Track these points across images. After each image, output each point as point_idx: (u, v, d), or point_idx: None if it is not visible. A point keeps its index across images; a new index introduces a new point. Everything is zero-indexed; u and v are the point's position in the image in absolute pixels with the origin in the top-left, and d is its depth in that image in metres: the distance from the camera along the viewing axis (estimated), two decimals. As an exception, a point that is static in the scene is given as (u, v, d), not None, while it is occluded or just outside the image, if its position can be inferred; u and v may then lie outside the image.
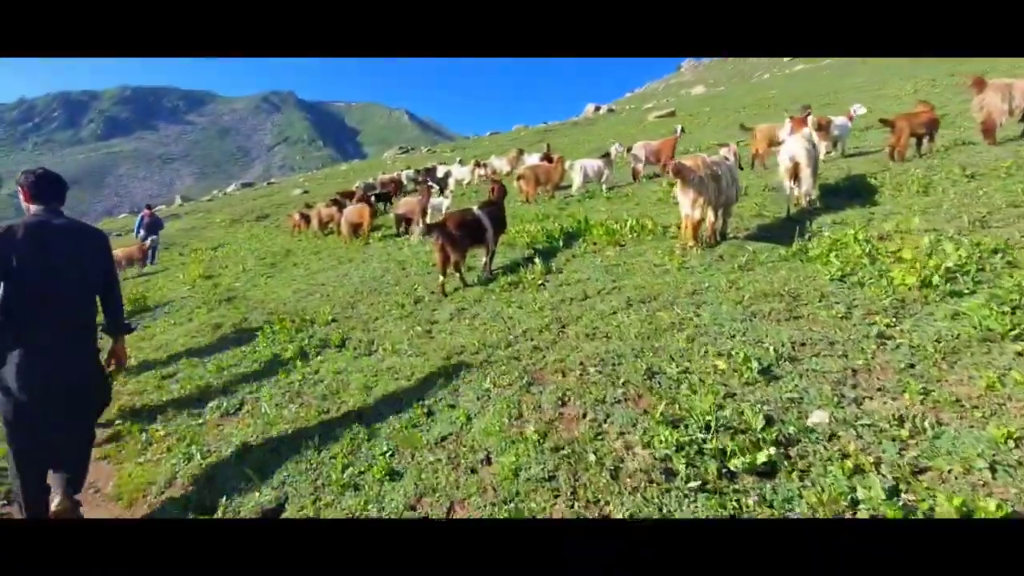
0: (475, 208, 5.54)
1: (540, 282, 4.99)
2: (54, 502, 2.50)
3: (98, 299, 2.84)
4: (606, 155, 10.21)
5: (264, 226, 16.59)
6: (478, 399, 3.08)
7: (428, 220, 9.67)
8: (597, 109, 44.32)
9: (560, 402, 2.83)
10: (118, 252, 11.39)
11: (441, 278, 5.36)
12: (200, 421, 3.91)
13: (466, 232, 5.27)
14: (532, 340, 3.73)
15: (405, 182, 17.07)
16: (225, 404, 4.02)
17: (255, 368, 4.68)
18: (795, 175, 5.54)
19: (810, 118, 7.39)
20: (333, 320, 5.53)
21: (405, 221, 9.75)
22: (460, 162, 17.46)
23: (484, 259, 5.74)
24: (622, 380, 2.87)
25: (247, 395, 4.14)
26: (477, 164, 15.93)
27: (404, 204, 9.89)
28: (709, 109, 27.11)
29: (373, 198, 10.60)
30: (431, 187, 9.92)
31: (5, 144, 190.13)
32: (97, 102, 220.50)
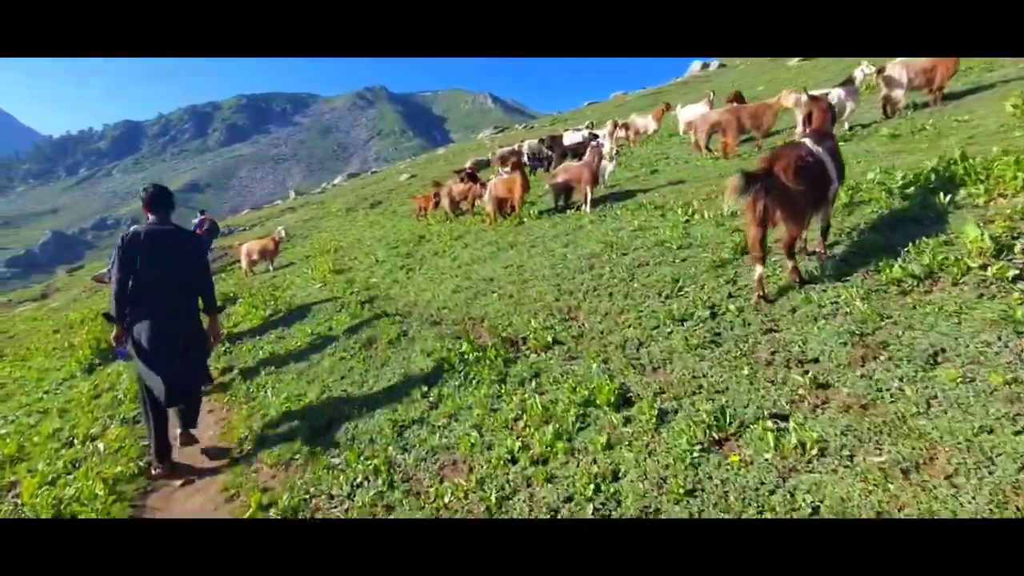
0: (808, 142, 3.07)
1: (1008, 274, 2.44)
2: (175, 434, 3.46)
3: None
4: (848, 82, 7.19)
5: (380, 212, 15.32)
6: None
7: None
8: (705, 66, 38.91)
9: None
10: (254, 245, 10.26)
11: (758, 269, 2.98)
12: None
13: (808, 185, 2.84)
14: None
15: (527, 154, 14.97)
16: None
17: (464, 439, 2.69)
18: None
19: None
20: (555, 342, 3.43)
21: (566, 191, 7.55)
22: (590, 125, 14.98)
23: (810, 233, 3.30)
24: None
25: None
26: (616, 125, 13.32)
27: (565, 171, 7.63)
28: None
29: (529, 167, 8.41)
30: (601, 146, 7.54)
31: (150, 156, 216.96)
32: (219, 112, 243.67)
